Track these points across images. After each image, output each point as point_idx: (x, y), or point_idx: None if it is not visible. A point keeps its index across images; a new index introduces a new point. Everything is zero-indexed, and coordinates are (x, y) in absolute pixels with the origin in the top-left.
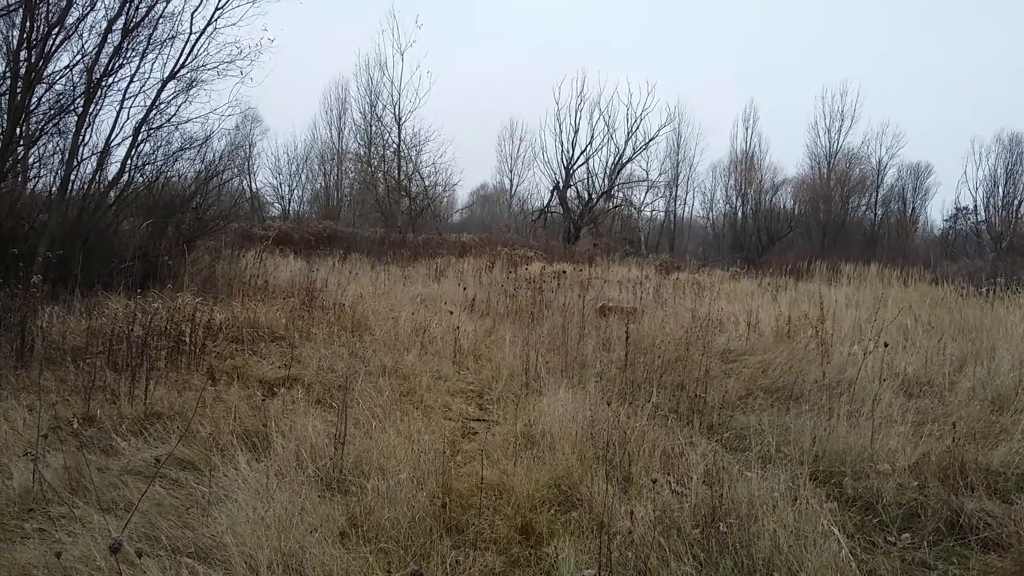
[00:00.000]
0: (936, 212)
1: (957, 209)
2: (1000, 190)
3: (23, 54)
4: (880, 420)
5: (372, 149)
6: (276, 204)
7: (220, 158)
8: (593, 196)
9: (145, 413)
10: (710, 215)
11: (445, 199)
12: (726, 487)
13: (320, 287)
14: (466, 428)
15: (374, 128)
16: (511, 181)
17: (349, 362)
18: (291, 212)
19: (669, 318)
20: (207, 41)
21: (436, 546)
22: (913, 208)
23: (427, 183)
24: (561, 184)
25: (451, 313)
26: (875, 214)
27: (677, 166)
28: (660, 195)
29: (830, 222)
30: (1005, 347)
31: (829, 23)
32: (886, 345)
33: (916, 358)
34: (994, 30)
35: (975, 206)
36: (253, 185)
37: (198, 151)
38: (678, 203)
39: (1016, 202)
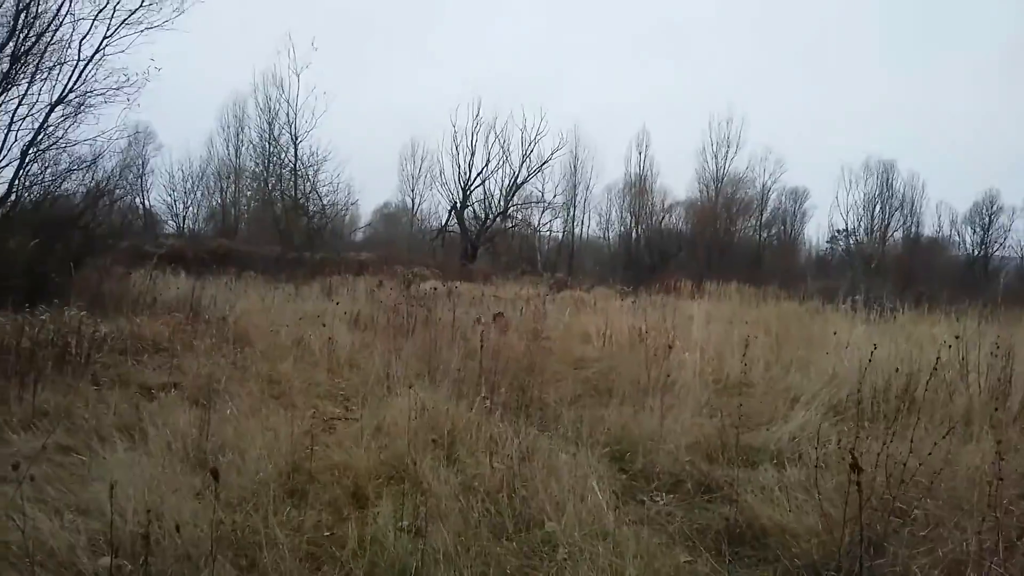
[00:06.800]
0: (813, 233)
1: (836, 231)
2: (872, 214)
3: None
4: (681, 411)
5: (269, 168)
6: (171, 221)
7: (109, 177)
8: (490, 216)
9: (33, 412)
10: (607, 235)
11: (347, 217)
12: (537, 463)
13: (207, 304)
14: (328, 424)
15: (271, 147)
16: (412, 200)
17: (225, 369)
18: (186, 229)
19: (549, 330)
20: (95, 68)
21: (278, 505)
22: (793, 229)
23: (325, 202)
24: (458, 204)
25: (324, 325)
26: (760, 235)
27: (574, 188)
28: (557, 216)
29: (716, 242)
30: (828, 357)
31: (714, 56)
32: (702, 351)
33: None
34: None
35: (846, 228)
36: (147, 202)
37: (87, 171)
38: (576, 223)
39: (884, 226)
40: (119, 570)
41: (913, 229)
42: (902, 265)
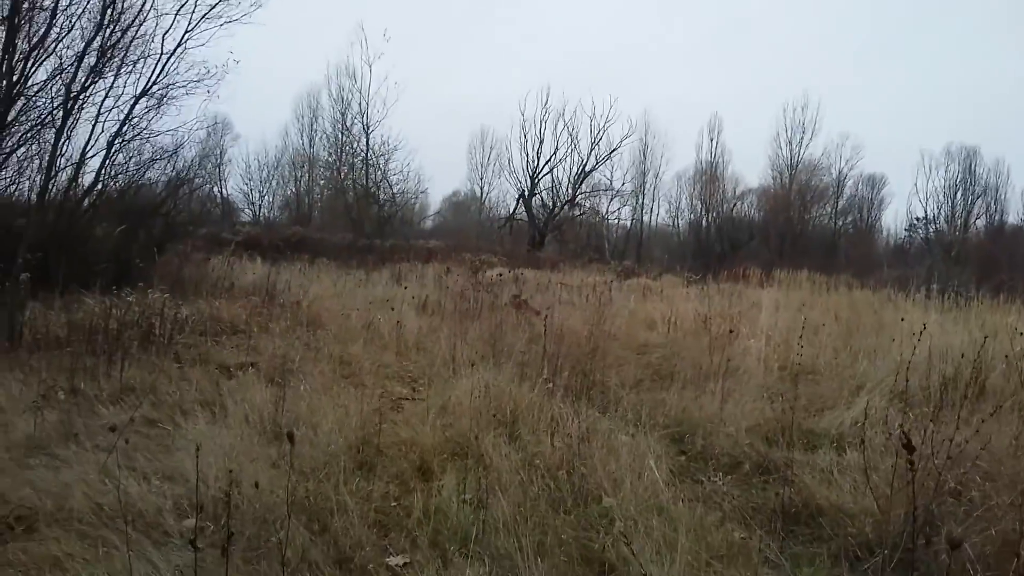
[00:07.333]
0: (891, 221)
1: (915, 219)
2: (953, 202)
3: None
4: (743, 396)
5: (342, 157)
6: (247, 209)
7: (190, 167)
8: (557, 204)
9: (121, 388)
10: (676, 222)
11: (416, 205)
12: (597, 442)
13: (282, 288)
14: (396, 403)
15: (344, 137)
16: (481, 189)
17: (299, 350)
18: (261, 217)
19: (613, 316)
20: (177, 61)
21: (348, 476)
22: (870, 217)
23: (395, 190)
24: (526, 192)
25: (392, 309)
26: (835, 223)
27: (644, 175)
28: (626, 203)
29: (789, 230)
30: (896, 344)
31: (792, 37)
32: (767, 338)
33: (811, 351)
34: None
35: (926, 216)
36: (224, 191)
37: (168, 160)
38: (644, 211)
39: (966, 213)
40: (202, 531)
41: (997, 217)
42: (984, 253)
